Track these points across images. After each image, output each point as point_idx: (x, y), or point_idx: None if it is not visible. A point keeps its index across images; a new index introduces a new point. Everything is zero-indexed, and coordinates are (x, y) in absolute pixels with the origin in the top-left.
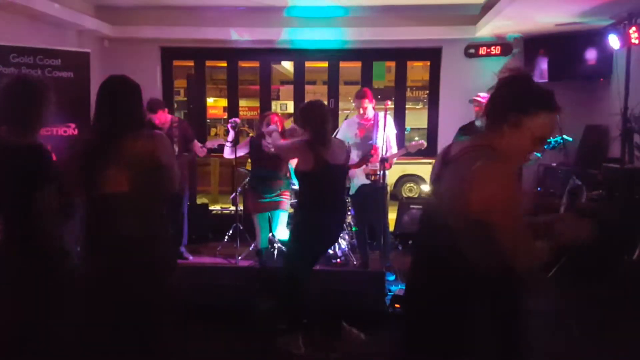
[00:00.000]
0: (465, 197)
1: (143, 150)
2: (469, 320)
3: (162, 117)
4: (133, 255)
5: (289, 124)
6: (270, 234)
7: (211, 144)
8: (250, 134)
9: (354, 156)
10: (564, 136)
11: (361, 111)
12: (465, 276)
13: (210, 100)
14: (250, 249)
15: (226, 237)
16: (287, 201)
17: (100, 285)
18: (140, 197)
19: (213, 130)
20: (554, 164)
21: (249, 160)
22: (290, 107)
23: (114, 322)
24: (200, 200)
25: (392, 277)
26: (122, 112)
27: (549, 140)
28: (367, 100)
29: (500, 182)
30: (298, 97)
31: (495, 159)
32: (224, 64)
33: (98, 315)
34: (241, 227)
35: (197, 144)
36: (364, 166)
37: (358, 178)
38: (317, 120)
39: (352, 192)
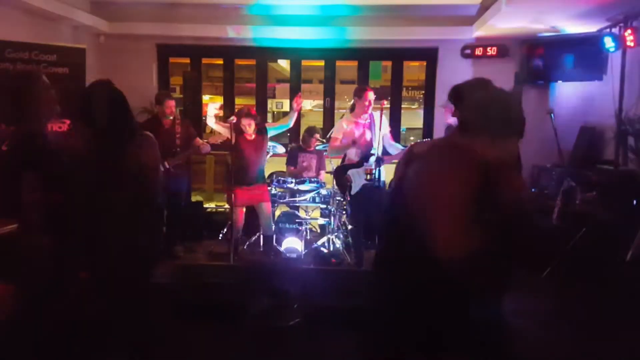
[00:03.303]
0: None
1: (137, 155)
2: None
3: (172, 107)
4: (122, 258)
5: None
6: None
7: (214, 139)
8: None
9: (351, 155)
10: None
11: (364, 108)
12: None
13: (206, 98)
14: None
15: (220, 235)
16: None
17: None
18: (131, 202)
19: (208, 128)
20: (548, 165)
21: None
22: (286, 106)
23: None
24: (195, 198)
25: None
26: (121, 119)
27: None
28: (371, 93)
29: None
30: (294, 95)
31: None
32: (221, 62)
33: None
34: None
35: (198, 141)
36: (363, 166)
37: (360, 178)
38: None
39: (353, 192)
